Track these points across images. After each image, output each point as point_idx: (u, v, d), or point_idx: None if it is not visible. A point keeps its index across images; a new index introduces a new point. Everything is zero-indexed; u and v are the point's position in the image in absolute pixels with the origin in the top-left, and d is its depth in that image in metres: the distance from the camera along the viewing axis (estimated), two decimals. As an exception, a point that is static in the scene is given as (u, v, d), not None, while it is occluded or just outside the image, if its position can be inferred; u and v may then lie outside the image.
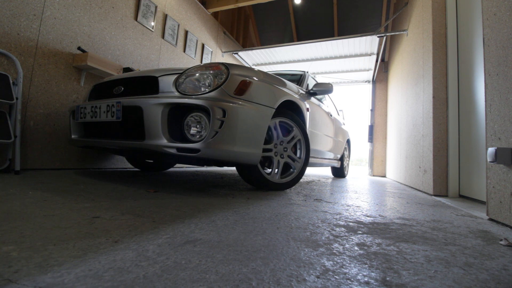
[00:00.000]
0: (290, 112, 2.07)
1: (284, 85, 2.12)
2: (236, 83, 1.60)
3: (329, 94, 3.47)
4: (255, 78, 1.74)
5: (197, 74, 1.60)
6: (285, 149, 2.04)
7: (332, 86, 2.64)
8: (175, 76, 1.61)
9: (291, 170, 2.09)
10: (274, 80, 1.99)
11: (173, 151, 1.45)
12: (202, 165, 2.12)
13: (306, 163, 2.15)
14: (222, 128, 1.46)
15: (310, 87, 2.95)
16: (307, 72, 3.15)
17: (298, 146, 2.13)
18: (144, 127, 1.52)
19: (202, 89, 1.56)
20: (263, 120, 1.71)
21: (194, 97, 1.49)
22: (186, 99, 1.47)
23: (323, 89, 2.60)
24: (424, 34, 2.92)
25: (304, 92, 2.57)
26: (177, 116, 1.51)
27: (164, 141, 1.46)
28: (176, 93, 1.55)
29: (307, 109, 2.46)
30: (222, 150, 1.48)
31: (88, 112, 1.81)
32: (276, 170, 1.97)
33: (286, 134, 2.05)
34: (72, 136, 2.04)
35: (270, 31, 7.15)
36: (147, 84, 1.70)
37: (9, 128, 1.98)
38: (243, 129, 1.57)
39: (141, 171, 2.91)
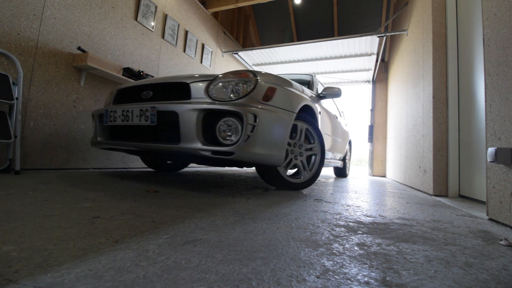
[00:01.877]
0: (307, 115, 2.15)
1: (302, 90, 2.22)
2: (264, 90, 1.70)
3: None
4: (278, 85, 1.83)
5: (227, 81, 1.68)
6: (301, 152, 2.12)
7: (340, 90, 2.70)
8: (206, 82, 1.69)
9: (306, 171, 2.16)
10: (294, 85, 2.08)
11: (208, 154, 1.53)
12: (230, 167, 2.26)
13: (321, 164, 2.22)
14: (254, 132, 1.55)
15: (319, 90, 3.06)
16: (315, 76, 3.26)
17: (313, 148, 2.21)
18: (179, 131, 1.59)
19: (232, 95, 1.65)
20: (286, 124, 1.81)
21: (228, 103, 1.57)
22: (221, 105, 1.55)
23: (332, 93, 2.67)
24: (424, 34, 2.92)
25: (315, 96, 2.66)
26: (209, 120, 1.58)
27: (199, 145, 1.54)
28: (208, 99, 1.64)
29: (319, 112, 2.55)
30: (253, 153, 1.57)
31: (118, 116, 1.84)
32: (294, 170, 2.08)
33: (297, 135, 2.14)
34: (98, 139, 2.07)
35: (270, 31, 7.15)
36: (179, 90, 1.77)
37: (9, 128, 1.98)
38: (271, 133, 1.67)
39: (156, 171, 2.95)
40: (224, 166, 2.03)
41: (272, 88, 1.75)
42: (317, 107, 2.43)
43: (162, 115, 1.66)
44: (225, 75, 1.70)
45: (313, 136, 2.19)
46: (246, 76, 1.69)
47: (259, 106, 1.62)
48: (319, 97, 2.75)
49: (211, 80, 1.69)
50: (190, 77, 1.76)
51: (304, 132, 2.11)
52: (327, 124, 3.00)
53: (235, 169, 4.71)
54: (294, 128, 2.02)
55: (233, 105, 1.54)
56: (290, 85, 2.02)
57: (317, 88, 3.12)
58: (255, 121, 1.55)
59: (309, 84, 3.08)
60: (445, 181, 2.44)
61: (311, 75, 3.28)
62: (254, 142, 1.56)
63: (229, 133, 1.57)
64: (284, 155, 1.79)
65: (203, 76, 1.75)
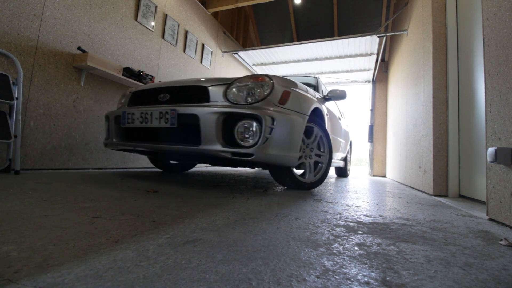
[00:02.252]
0: (316, 117, 2.20)
1: (313, 94, 2.31)
2: (280, 93, 1.76)
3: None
4: (292, 88, 1.89)
5: (244, 85, 1.74)
6: (311, 154, 2.19)
7: (345, 92, 2.73)
8: (224, 86, 1.75)
9: (315, 171, 2.23)
10: (305, 89, 2.15)
11: (229, 155, 1.59)
12: (244, 167, 2.34)
13: (329, 165, 2.29)
14: (272, 134, 1.61)
15: (323, 92, 3.15)
16: (319, 78, 3.35)
17: (322, 149, 2.28)
18: (200, 134, 1.64)
19: (249, 99, 1.71)
20: (300, 126, 1.86)
21: (246, 106, 1.64)
22: (241, 109, 1.61)
23: (337, 95, 2.72)
24: (424, 34, 2.92)
25: (321, 98, 2.70)
26: (228, 123, 1.64)
27: (219, 146, 1.60)
28: (226, 102, 1.70)
29: (327, 114, 2.62)
30: (271, 154, 1.63)
31: (137, 118, 1.87)
32: (304, 170, 2.15)
33: (311, 138, 2.21)
34: (114, 140, 2.11)
35: (270, 31, 7.15)
36: (197, 93, 1.82)
37: (9, 128, 1.98)
38: (287, 135, 1.73)
39: (163, 172, 2.98)
40: (238, 167, 2.12)
41: (287, 91, 1.81)
42: (324, 109, 2.49)
43: (183, 118, 1.70)
44: (242, 79, 1.75)
45: (322, 138, 2.25)
46: (262, 80, 1.74)
47: (276, 109, 1.68)
48: (325, 99, 2.80)
49: (228, 83, 1.75)
50: (208, 81, 1.82)
51: (314, 134, 2.18)
52: (331, 125, 3.07)
53: (235, 169, 4.71)
54: (305, 130, 2.06)
55: (252, 109, 1.61)
56: (301, 88, 2.08)
57: (322, 90, 3.19)
58: (273, 123, 1.61)
59: (314, 86, 3.15)
60: (445, 181, 2.44)
61: (316, 77, 3.35)
62: (272, 144, 1.62)
63: (246, 135, 1.63)
64: (298, 156, 1.84)
65: (220, 79, 1.81)
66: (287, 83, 1.89)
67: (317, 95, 2.59)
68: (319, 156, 2.25)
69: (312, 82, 3.21)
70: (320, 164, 2.26)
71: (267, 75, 1.78)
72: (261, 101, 1.67)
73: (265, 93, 1.70)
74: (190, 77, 4.49)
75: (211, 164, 2.28)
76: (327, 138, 2.28)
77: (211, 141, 1.61)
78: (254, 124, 1.61)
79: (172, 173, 2.87)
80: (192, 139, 1.70)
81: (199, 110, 1.64)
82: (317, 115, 2.29)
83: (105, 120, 2.27)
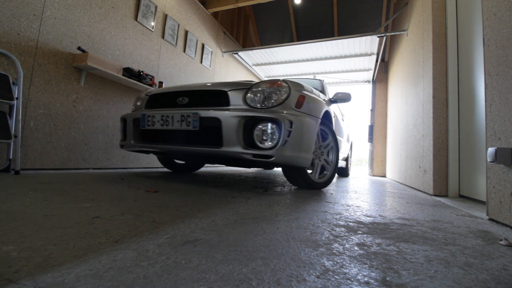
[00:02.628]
0: (326, 120, 2.29)
1: (322, 96, 2.38)
2: (296, 98, 1.84)
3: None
4: (306, 92, 1.97)
5: (262, 90, 1.82)
6: (322, 153, 2.28)
7: (350, 95, 2.77)
8: (243, 91, 1.83)
9: (325, 172, 2.33)
10: (317, 93, 2.23)
11: (250, 156, 1.67)
12: (258, 168, 2.41)
13: (337, 165, 2.39)
14: (290, 137, 1.69)
15: (328, 94, 3.25)
16: (323, 80, 3.47)
17: (330, 150, 2.37)
18: (222, 136, 1.71)
19: (268, 103, 1.79)
20: (314, 129, 1.94)
21: (266, 110, 1.72)
22: (262, 113, 1.69)
23: (343, 97, 2.78)
24: (424, 34, 2.92)
25: (327, 100, 2.77)
26: (248, 126, 1.71)
27: (240, 148, 1.68)
28: (245, 106, 1.78)
29: (334, 117, 2.71)
30: (289, 156, 1.71)
31: (157, 121, 1.93)
32: (316, 171, 2.24)
33: (322, 140, 2.29)
34: (132, 142, 2.17)
35: (270, 31, 7.15)
36: (217, 97, 1.89)
37: (9, 128, 1.98)
38: (303, 138, 1.80)
39: (173, 172, 3.03)
40: (254, 168, 2.22)
41: (302, 96, 1.90)
42: (332, 112, 2.60)
43: (205, 121, 1.77)
44: (260, 84, 1.84)
45: (330, 139, 2.34)
46: (279, 85, 1.83)
47: (293, 113, 1.77)
48: (331, 101, 2.85)
49: (247, 88, 1.83)
50: (227, 85, 1.90)
51: (324, 135, 2.28)
52: (337, 127, 3.17)
53: (235, 169, 4.71)
54: (317, 133, 2.14)
55: (271, 112, 1.69)
56: (314, 92, 2.16)
57: (327, 93, 3.27)
58: (290, 127, 1.69)
59: (321, 89, 3.23)
60: (445, 181, 2.44)
61: (321, 80, 3.45)
62: (290, 146, 1.70)
63: (265, 137, 1.70)
64: (311, 157, 1.92)
65: (238, 84, 1.90)
66: (302, 88, 1.97)
67: (324, 97, 2.65)
68: (328, 156, 2.34)
69: (318, 85, 3.31)
70: (328, 164, 2.35)
71: (283, 80, 1.87)
72: (279, 105, 1.76)
73: (283, 98, 1.79)
74: (190, 77, 4.49)
75: (228, 165, 2.36)
76: (334, 140, 2.35)
77: (232, 143, 1.68)
78: (273, 127, 1.69)
79: (180, 173, 2.90)
80: (214, 141, 1.76)
81: (221, 114, 1.72)
82: (326, 117, 2.37)
83: (120, 122, 2.33)
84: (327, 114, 2.33)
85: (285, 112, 1.72)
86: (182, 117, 1.82)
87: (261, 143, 1.70)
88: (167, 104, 2.08)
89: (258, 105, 1.78)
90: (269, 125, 1.69)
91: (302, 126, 1.78)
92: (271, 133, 1.69)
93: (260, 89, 1.81)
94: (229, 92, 1.84)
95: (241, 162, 1.96)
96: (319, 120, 2.03)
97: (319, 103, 2.10)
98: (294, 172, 2.07)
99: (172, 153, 2.05)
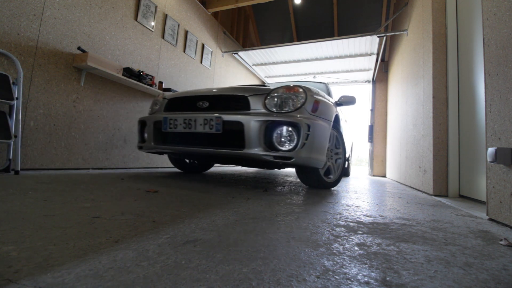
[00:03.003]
0: (335, 123, 2.36)
1: (332, 100, 2.49)
2: (312, 103, 1.95)
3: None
4: (320, 98, 2.07)
5: (281, 95, 1.91)
6: (332, 154, 2.37)
7: (355, 98, 2.84)
8: (262, 96, 1.93)
9: (334, 171, 2.43)
10: (328, 98, 2.34)
11: (271, 158, 1.77)
12: (272, 169, 2.58)
13: (344, 165, 2.50)
14: (308, 140, 1.80)
15: (333, 97, 3.34)
16: (328, 84, 3.60)
17: (338, 151, 2.47)
18: (244, 139, 1.80)
19: (286, 107, 1.89)
20: (327, 132, 2.05)
21: (286, 115, 1.82)
22: (282, 117, 1.78)
23: (348, 100, 2.85)
24: (424, 34, 2.92)
25: (334, 103, 2.87)
26: (269, 129, 1.81)
27: (261, 150, 1.77)
28: (265, 110, 1.88)
29: (341, 119, 2.81)
30: (306, 158, 1.81)
31: (180, 124, 2.02)
32: (329, 171, 2.35)
33: (332, 142, 2.38)
34: (152, 143, 2.24)
35: (270, 31, 7.15)
36: (239, 102, 1.98)
37: (9, 128, 1.98)
38: (318, 140, 1.91)
39: (184, 172, 3.11)
40: (269, 169, 2.36)
41: (317, 100, 2.01)
42: (340, 115, 2.67)
43: (227, 124, 1.86)
44: (278, 89, 1.93)
45: (339, 141, 2.43)
46: (297, 91, 1.93)
47: (310, 117, 1.88)
48: (337, 104, 2.92)
49: (266, 93, 1.93)
50: (247, 90, 2.00)
51: (335, 137, 2.38)
52: (342, 128, 3.25)
53: (235, 169, 4.71)
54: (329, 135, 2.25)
55: (291, 117, 1.79)
56: (326, 96, 2.27)
57: (332, 96, 3.35)
58: (308, 130, 1.80)
59: (327, 92, 3.33)
60: (445, 181, 2.44)
61: (325, 83, 3.56)
62: (307, 148, 1.80)
63: (284, 140, 1.81)
64: (325, 159, 2.03)
65: (257, 89, 2.00)
66: (316, 93, 2.08)
67: (332, 101, 2.74)
68: (336, 157, 2.44)
69: (323, 88, 3.40)
70: (337, 164, 2.45)
71: (300, 86, 1.96)
72: (297, 110, 1.87)
73: (300, 103, 1.89)
74: (190, 77, 4.49)
75: (248, 166, 2.45)
76: (342, 141, 2.45)
77: (254, 145, 1.78)
78: (293, 130, 1.79)
79: (188, 174, 2.95)
80: (236, 143, 1.86)
81: (243, 118, 1.81)
82: (335, 120, 2.46)
83: (138, 124, 2.42)
84: (336, 117, 2.43)
85: (303, 116, 1.83)
86: (205, 120, 1.91)
87: (280, 145, 1.80)
88: (187, 107, 2.16)
89: (278, 109, 1.88)
90: (289, 128, 1.79)
91: (318, 129, 1.88)
92: (291, 136, 1.80)
93: (278, 94, 1.91)
94: (249, 97, 1.94)
95: (261, 163, 2.08)
96: (331, 124, 2.13)
97: (331, 107, 2.21)
98: (309, 173, 2.16)
99: (193, 154, 2.14)
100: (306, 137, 1.78)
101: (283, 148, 1.79)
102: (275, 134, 1.81)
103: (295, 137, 1.78)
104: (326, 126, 2.02)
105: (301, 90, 1.94)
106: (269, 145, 1.80)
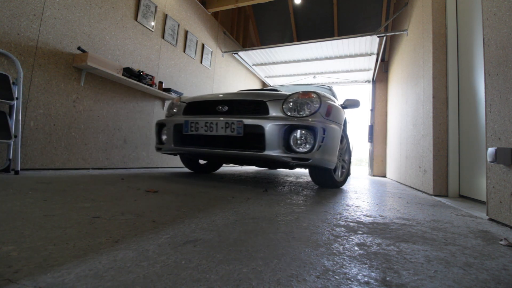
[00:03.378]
0: (343, 126, 2.49)
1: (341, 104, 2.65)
2: (326, 107, 2.08)
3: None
4: (332, 102, 2.20)
5: (297, 101, 2.04)
6: (341, 155, 2.48)
7: (359, 101, 2.93)
8: (280, 101, 2.06)
9: (343, 171, 2.57)
10: (337, 102, 2.46)
11: (289, 159, 1.89)
12: (284, 169, 2.69)
13: (349, 164, 2.66)
14: (323, 142, 1.92)
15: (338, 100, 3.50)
16: (332, 87, 3.73)
17: (345, 152, 2.59)
18: (265, 141, 1.93)
19: (302, 112, 2.01)
20: (339, 135, 2.18)
21: (303, 119, 1.94)
22: (300, 121, 1.91)
23: (353, 104, 2.93)
24: (424, 34, 2.92)
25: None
26: (287, 132, 1.93)
27: (281, 152, 1.90)
28: (283, 115, 2.01)
29: (347, 122, 2.96)
30: (321, 159, 1.93)
31: (201, 127, 2.13)
32: (338, 171, 2.48)
33: (340, 143, 2.47)
34: (172, 145, 2.34)
35: (270, 31, 7.15)
36: (258, 106, 2.10)
37: (9, 128, 1.98)
38: (332, 143, 2.03)
39: (195, 172, 3.20)
40: (286, 169, 2.50)
41: (330, 105, 2.14)
42: (346, 118, 2.80)
43: (248, 128, 1.98)
44: (294, 95, 2.06)
45: (346, 142, 2.55)
46: (312, 97, 2.06)
47: (324, 121, 2.00)
48: (342, 107, 3.02)
49: (284, 99, 2.06)
50: (266, 96, 2.12)
51: (343, 139, 2.49)
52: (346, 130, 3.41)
53: (235, 169, 4.71)
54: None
55: (308, 121, 1.92)
56: (335, 101, 2.38)
57: (337, 99, 3.47)
58: (324, 133, 1.92)
59: (334, 96, 3.44)
60: (445, 181, 2.44)
61: (329, 87, 3.70)
62: (322, 150, 1.93)
63: (300, 142, 1.93)
64: (336, 159, 2.16)
65: (274, 95, 2.12)
66: (329, 98, 2.23)
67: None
68: (344, 157, 2.57)
69: (328, 92, 3.51)
70: (345, 163, 2.58)
71: (314, 92, 2.09)
72: (313, 114, 1.99)
73: (315, 108, 2.02)
74: (190, 77, 4.49)
75: (267, 167, 2.58)
76: (347, 143, 2.57)
77: (274, 147, 1.91)
78: (310, 133, 1.91)
79: (196, 174, 3.03)
80: (257, 146, 1.98)
81: (264, 122, 1.93)
82: (344, 123, 2.57)
83: (156, 127, 2.54)
84: (344, 120, 2.55)
85: (318, 120, 1.96)
86: (226, 124, 2.03)
87: (297, 147, 1.92)
88: (206, 111, 2.26)
89: (295, 113, 2.00)
90: (306, 132, 1.92)
91: (331, 132, 2.02)
92: (307, 138, 1.92)
93: (294, 99, 2.04)
94: (268, 102, 2.06)
95: (279, 164, 2.24)
96: (342, 126, 2.25)
97: (341, 111, 2.35)
98: (322, 173, 2.30)
99: (214, 156, 2.25)
100: (322, 140, 1.91)
101: (300, 150, 1.91)
102: (293, 137, 1.93)
103: (312, 140, 1.91)
104: (338, 129, 2.14)
105: (315, 95, 2.06)
106: (287, 147, 1.92)
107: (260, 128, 1.94)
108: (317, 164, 1.96)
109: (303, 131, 1.92)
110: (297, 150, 1.91)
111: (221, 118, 2.06)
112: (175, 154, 2.54)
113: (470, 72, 2.21)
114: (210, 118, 2.11)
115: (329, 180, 2.33)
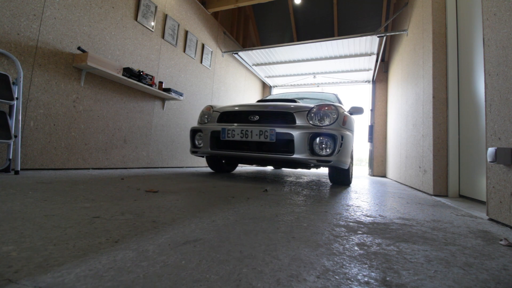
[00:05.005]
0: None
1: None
2: (342, 117, 2.48)
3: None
4: (346, 113, 2.62)
5: (319, 112, 2.43)
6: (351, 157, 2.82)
7: (363, 109, 3.16)
8: (304, 112, 2.44)
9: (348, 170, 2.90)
10: (347, 111, 2.82)
11: (314, 161, 2.28)
12: (308, 169, 3.13)
13: (352, 164, 3.05)
14: (342, 147, 2.30)
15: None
16: (338, 94, 4.07)
17: (352, 154, 2.94)
18: (294, 146, 2.30)
19: (323, 122, 2.40)
20: (352, 140, 2.60)
21: (325, 128, 2.34)
22: (323, 130, 2.30)
23: (358, 111, 3.16)
24: (424, 34, 2.92)
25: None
26: (312, 139, 2.30)
27: (307, 156, 2.27)
28: (308, 124, 2.39)
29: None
30: (340, 161, 2.32)
31: (237, 134, 2.45)
32: (349, 171, 2.82)
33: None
34: (209, 149, 2.65)
35: (270, 31, 7.15)
36: (286, 117, 2.47)
37: (9, 128, 1.98)
38: (347, 147, 2.40)
39: (215, 172, 3.51)
40: (307, 169, 2.92)
41: (346, 116, 2.56)
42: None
43: (279, 135, 2.33)
44: (318, 107, 2.44)
45: (352, 146, 2.80)
46: (331, 109, 2.45)
47: (342, 129, 2.39)
48: (349, 113, 3.26)
49: (308, 110, 2.44)
50: (292, 108, 2.49)
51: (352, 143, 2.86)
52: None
53: (236, 169, 4.71)
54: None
55: (329, 129, 2.31)
56: (345, 111, 2.72)
57: (343, 104, 3.67)
58: (342, 140, 2.30)
59: (340, 103, 3.73)
60: (445, 181, 2.44)
61: (335, 94, 4.04)
62: (341, 153, 2.31)
63: (322, 147, 2.29)
64: (349, 161, 2.56)
65: (300, 107, 2.49)
66: (344, 109, 2.63)
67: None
68: (352, 159, 2.93)
69: (334, 99, 3.84)
70: (352, 164, 2.94)
71: (333, 105, 2.48)
72: (333, 124, 2.39)
73: (334, 118, 2.41)
74: (190, 77, 4.49)
75: (293, 168, 2.92)
76: (352, 145, 2.89)
77: (301, 151, 2.28)
78: (331, 140, 2.28)
79: (223, 173, 3.33)
80: (287, 150, 2.35)
81: (292, 130, 2.31)
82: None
83: (190, 133, 2.88)
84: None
85: (337, 128, 2.35)
86: (260, 131, 2.36)
87: (320, 151, 2.29)
88: (239, 120, 2.61)
89: (317, 123, 2.38)
90: (328, 138, 2.28)
91: (347, 138, 2.39)
92: (328, 144, 2.29)
93: (316, 111, 2.43)
94: (295, 113, 2.44)
95: (305, 165, 2.65)
96: (354, 133, 2.64)
97: (352, 120, 2.77)
98: (340, 172, 2.71)
99: (248, 159, 2.58)
100: (340, 145, 2.27)
101: (323, 153, 2.28)
102: (317, 143, 2.29)
103: (332, 145, 2.27)
104: (351, 135, 2.51)
105: (334, 107, 2.45)
106: (312, 151, 2.28)
107: (290, 135, 2.30)
108: (336, 165, 2.33)
109: (325, 138, 2.28)
110: (320, 153, 2.27)
111: (255, 127, 2.39)
112: (202, 156, 2.89)
113: (470, 72, 2.21)
114: (245, 126, 2.44)
115: (345, 178, 2.75)
